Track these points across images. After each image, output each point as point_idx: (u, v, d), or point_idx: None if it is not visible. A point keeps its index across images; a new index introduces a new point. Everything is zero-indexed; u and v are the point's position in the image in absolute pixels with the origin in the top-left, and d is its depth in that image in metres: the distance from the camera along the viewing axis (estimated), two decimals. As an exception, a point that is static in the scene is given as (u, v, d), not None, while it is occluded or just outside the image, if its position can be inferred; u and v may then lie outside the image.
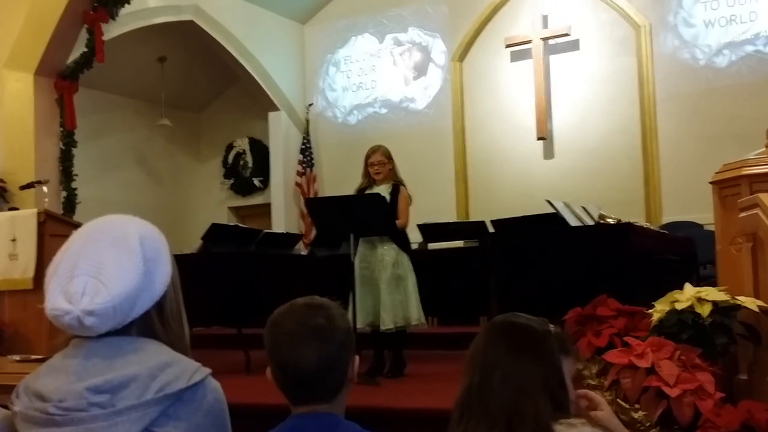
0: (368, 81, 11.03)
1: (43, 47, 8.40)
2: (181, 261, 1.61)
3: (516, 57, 9.87)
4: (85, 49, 8.62)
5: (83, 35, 8.60)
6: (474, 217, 9.28)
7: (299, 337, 1.65)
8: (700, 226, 8.15)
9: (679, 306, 3.52)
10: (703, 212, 6.93)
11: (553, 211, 5.46)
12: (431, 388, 5.02)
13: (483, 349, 1.71)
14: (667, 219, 8.82)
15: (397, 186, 5.56)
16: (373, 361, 5.43)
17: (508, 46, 9.83)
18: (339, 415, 1.70)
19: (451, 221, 9.04)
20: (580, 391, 1.93)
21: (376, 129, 10.61)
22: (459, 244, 8.23)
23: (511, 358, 1.66)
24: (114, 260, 1.39)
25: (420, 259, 5.80)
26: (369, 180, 5.62)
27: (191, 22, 9.99)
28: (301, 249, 9.02)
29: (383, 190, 5.52)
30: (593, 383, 3.57)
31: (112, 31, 8.92)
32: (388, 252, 5.43)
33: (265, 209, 11.38)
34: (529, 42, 9.67)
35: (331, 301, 1.75)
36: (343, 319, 1.74)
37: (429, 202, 9.22)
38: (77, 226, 1.51)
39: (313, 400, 1.67)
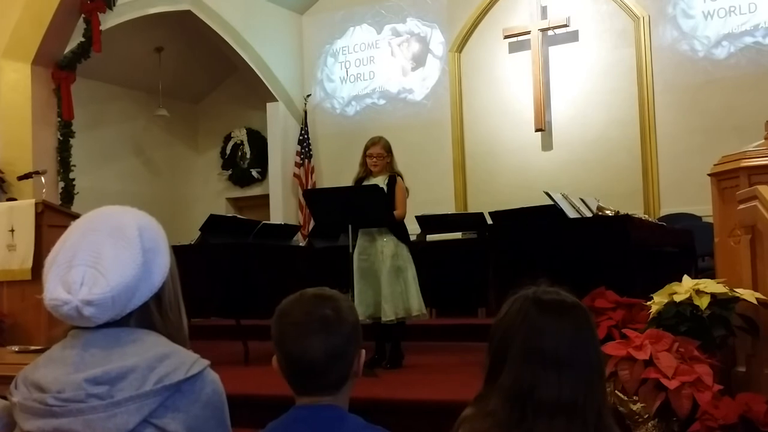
0: (366, 72, 11.01)
1: (40, 37, 8.37)
2: (179, 252, 1.60)
3: (514, 48, 9.85)
4: (83, 39, 8.58)
5: (80, 25, 8.57)
6: (472, 209, 9.28)
7: (306, 328, 1.65)
8: (698, 218, 8.16)
9: (677, 298, 3.52)
10: (701, 204, 6.94)
11: (552, 202, 5.45)
12: (430, 379, 5.03)
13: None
14: (665, 211, 8.83)
15: (393, 177, 5.55)
16: (374, 353, 5.44)
17: (506, 37, 9.80)
18: (343, 408, 1.70)
19: (449, 213, 9.04)
20: None
21: (374, 120, 10.60)
22: (457, 235, 8.24)
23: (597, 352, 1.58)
24: (112, 251, 1.39)
25: (418, 251, 5.80)
26: (365, 170, 5.62)
27: (188, 12, 9.96)
28: (300, 240, 9.03)
29: (380, 181, 5.51)
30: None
31: (109, 20, 8.89)
32: (387, 244, 5.43)
33: (264, 200, 11.37)
34: (527, 33, 9.65)
35: (340, 293, 1.75)
36: (352, 312, 1.73)
37: (427, 194, 9.23)
38: (75, 216, 1.51)
39: (318, 391, 1.67)
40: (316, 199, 6.06)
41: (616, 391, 3.25)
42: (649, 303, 3.71)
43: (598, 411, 1.46)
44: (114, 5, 8.66)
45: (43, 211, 5.80)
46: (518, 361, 1.48)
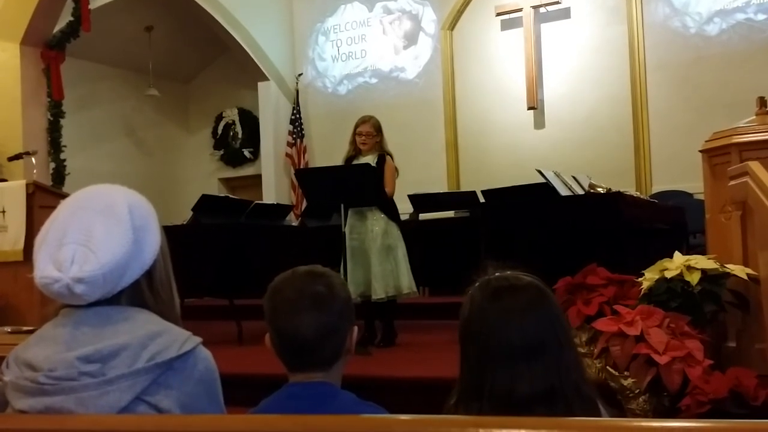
0: (358, 50, 10.96)
1: (28, 16, 8.29)
2: (171, 232, 1.60)
3: (506, 25, 9.82)
4: (71, 18, 8.52)
5: (69, 4, 8.50)
6: (464, 187, 9.28)
7: (298, 305, 1.65)
8: (689, 195, 8.19)
9: (668, 274, 3.54)
10: (693, 181, 6.95)
11: (544, 180, 5.46)
12: (423, 357, 5.06)
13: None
14: (657, 188, 8.85)
15: (383, 156, 5.54)
16: (364, 331, 5.46)
17: (498, 14, 9.77)
18: (335, 384, 1.70)
19: (441, 191, 9.04)
20: None
21: (366, 99, 10.56)
22: (450, 214, 8.24)
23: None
24: (103, 228, 1.38)
25: (411, 230, 5.80)
26: (355, 149, 5.61)
27: (178, -9, 9.89)
28: (292, 220, 9.02)
29: (369, 160, 5.50)
30: (583, 351, 3.60)
31: (98, -1, 8.83)
32: (377, 222, 5.43)
33: (256, 180, 11.35)
34: (519, 10, 9.62)
35: (333, 270, 1.75)
36: (344, 289, 1.74)
37: (419, 173, 9.23)
38: (66, 197, 1.50)
39: (310, 368, 1.68)
40: (308, 178, 6.05)
41: (608, 367, 3.28)
42: (640, 279, 3.73)
43: (575, 385, 1.46)
44: (103, -16, 8.60)
45: (34, 192, 5.77)
46: (487, 362, 1.47)
